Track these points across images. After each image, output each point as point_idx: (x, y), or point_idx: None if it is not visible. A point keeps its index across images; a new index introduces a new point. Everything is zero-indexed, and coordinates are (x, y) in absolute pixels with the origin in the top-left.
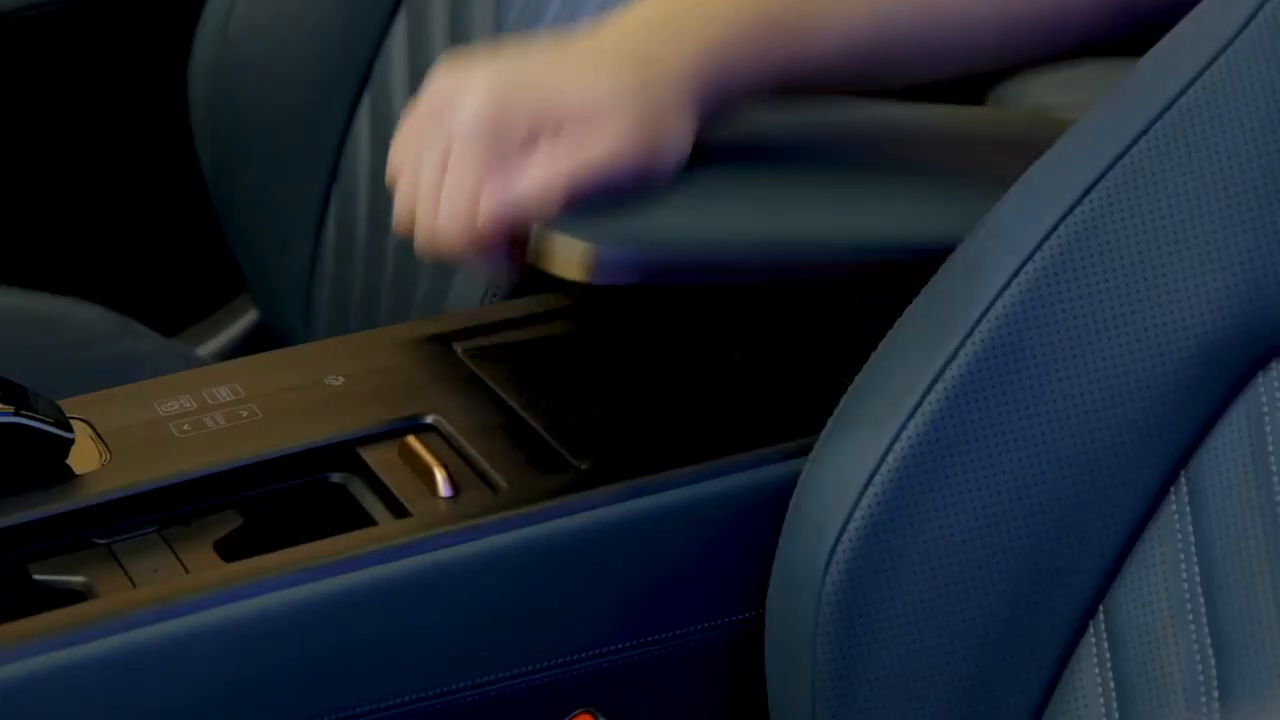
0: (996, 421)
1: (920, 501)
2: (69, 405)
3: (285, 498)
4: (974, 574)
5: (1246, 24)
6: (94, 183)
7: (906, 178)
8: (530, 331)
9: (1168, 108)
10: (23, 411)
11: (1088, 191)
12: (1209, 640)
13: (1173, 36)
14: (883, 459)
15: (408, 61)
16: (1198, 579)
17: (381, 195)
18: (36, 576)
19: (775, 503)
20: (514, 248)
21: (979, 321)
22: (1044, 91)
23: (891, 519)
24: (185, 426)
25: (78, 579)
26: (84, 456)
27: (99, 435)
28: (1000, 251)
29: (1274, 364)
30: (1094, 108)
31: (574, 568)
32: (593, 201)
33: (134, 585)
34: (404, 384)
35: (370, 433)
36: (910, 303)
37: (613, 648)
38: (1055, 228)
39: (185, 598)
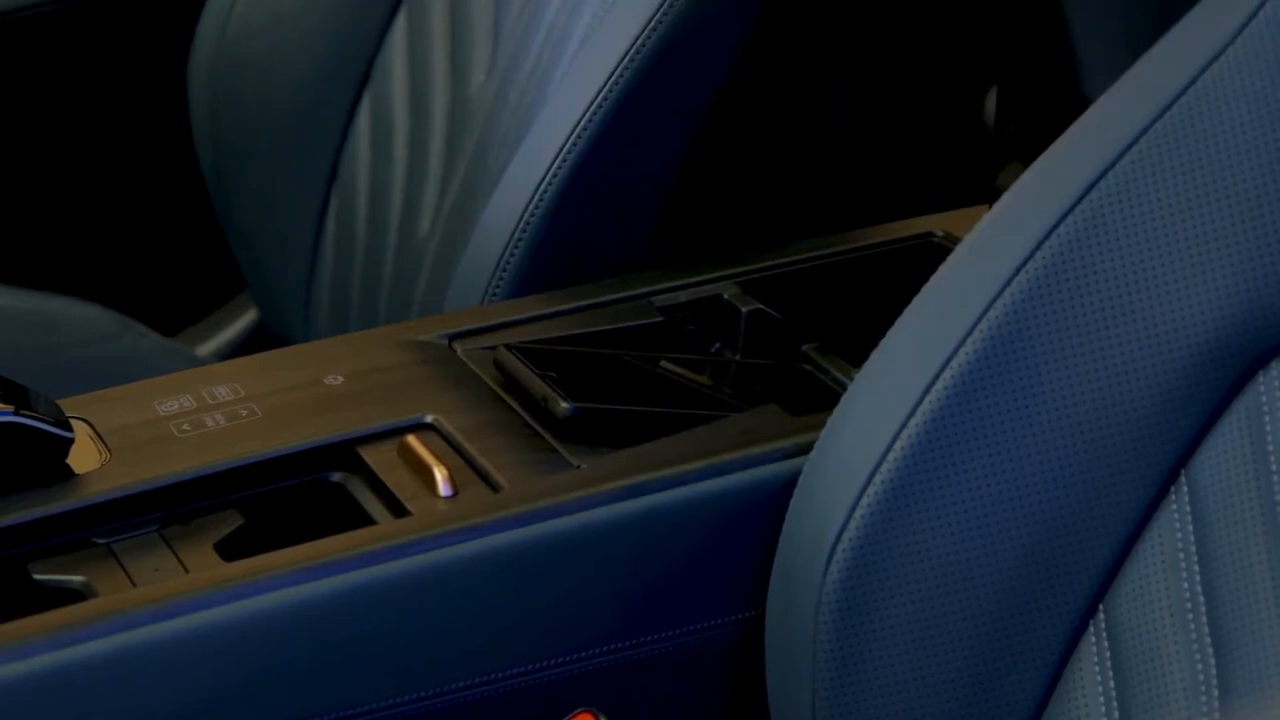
0: (997, 420)
1: (921, 501)
2: (69, 405)
3: (285, 497)
4: (974, 573)
5: (1247, 24)
6: (94, 183)
7: None
8: (530, 331)
9: (1168, 107)
10: (23, 411)
11: (1089, 190)
12: (1209, 640)
13: (1173, 36)
14: (883, 458)
15: (408, 61)
16: (1198, 579)
17: (381, 195)
18: (36, 576)
19: (775, 503)
20: None
21: (979, 320)
22: None
23: (892, 518)
24: (185, 426)
25: (78, 579)
26: (84, 456)
27: (99, 435)
28: (1001, 251)
29: (1274, 364)
30: (1095, 106)
31: (574, 568)
32: None
33: (134, 585)
34: (404, 384)
35: (370, 432)
36: (911, 300)
37: (613, 648)
38: (1056, 226)
39: (185, 598)
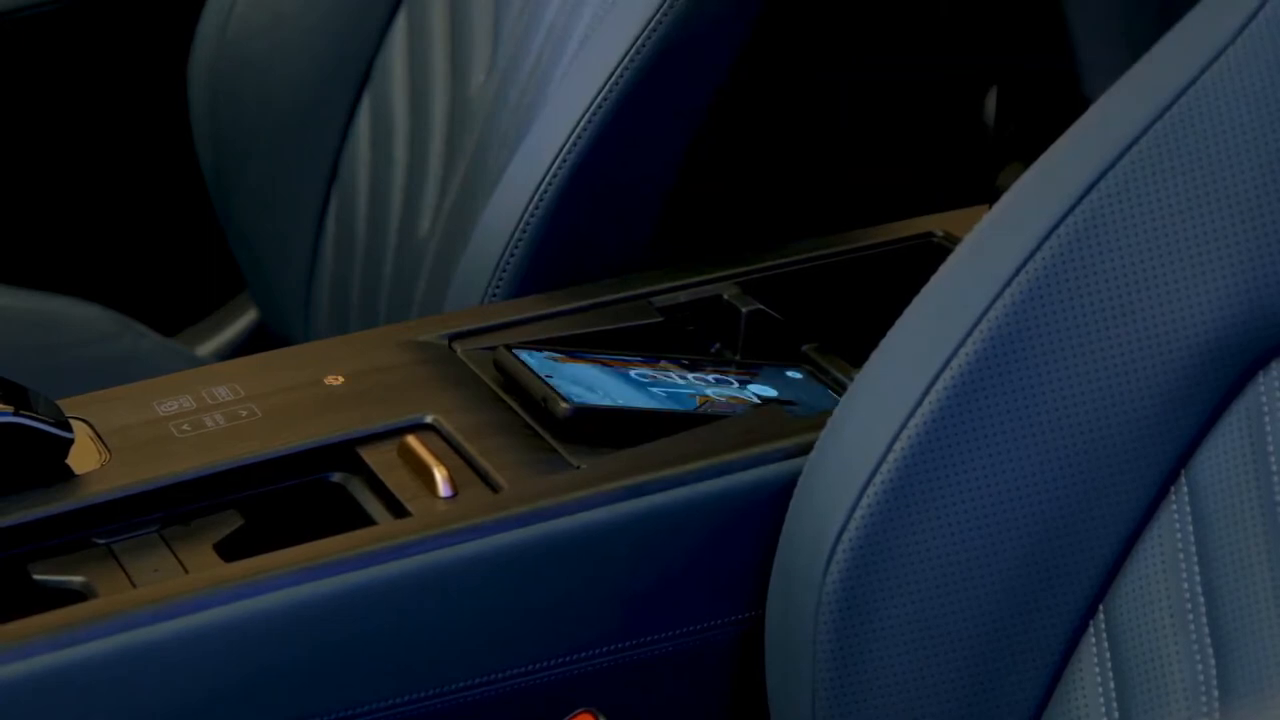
0: (997, 420)
1: (921, 501)
2: (69, 405)
3: (285, 498)
4: (974, 573)
5: (1247, 24)
6: (94, 183)
7: None
8: (530, 331)
9: (1168, 107)
10: (23, 411)
11: (1089, 190)
12: (1209, 640)
13: (1173, 36)
14: (883, 458)
15: (408, 61)
16: (1198, 579)
17: (381, 195)
18: (36, 576)
19: (775, 503)
20: None
21: (979, 320)
22: None
23: (892, 518)
24: (185, 426)
25: (78, 579)
26: (84, 456)
27: (99, 435)
28: (1001, 251)
29: (1274, 364)
30: (1095, 106)
31: (574, 568)
32: None
33: (134, 585)
34: (404, 384)
35: (370, 432)
36: (911, 300)
37: (613, 648)
38: (1056, 226)
39: (185, 598)
